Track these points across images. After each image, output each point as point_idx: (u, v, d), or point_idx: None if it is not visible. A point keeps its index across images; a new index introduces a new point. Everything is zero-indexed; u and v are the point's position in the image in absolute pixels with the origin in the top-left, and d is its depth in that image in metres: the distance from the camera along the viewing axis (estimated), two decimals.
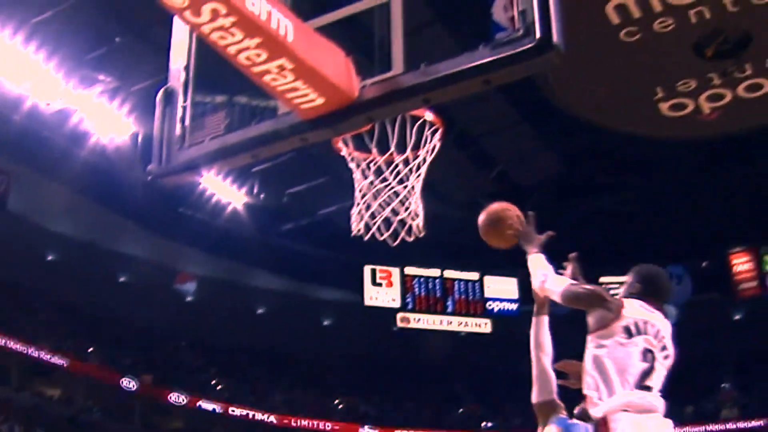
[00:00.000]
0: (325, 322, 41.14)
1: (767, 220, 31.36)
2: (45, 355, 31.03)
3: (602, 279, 34.69)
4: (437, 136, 6.96)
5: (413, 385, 39.15)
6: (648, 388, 5.54)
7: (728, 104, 19.48)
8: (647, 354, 5.61)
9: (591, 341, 5.73)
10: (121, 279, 36.73)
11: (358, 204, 7.29)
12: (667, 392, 5.59)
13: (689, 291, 33.87)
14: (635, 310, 5.71)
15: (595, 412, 5.56)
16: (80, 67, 22.59)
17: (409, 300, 34.95)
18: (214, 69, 5.73)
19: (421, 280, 35.05)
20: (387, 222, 7.31)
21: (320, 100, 5.24)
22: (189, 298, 37.95)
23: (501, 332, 34.35)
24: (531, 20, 4.76)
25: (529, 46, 4.74)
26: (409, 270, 35.04)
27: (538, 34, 4.71)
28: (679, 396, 32.64)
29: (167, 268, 36.55)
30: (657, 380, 5.63)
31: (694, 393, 35.08)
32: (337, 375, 40.25)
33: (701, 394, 36.02)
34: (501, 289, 35.07)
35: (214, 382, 37.27)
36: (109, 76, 23.04)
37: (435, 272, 35.28)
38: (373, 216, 7.41)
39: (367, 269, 34.67)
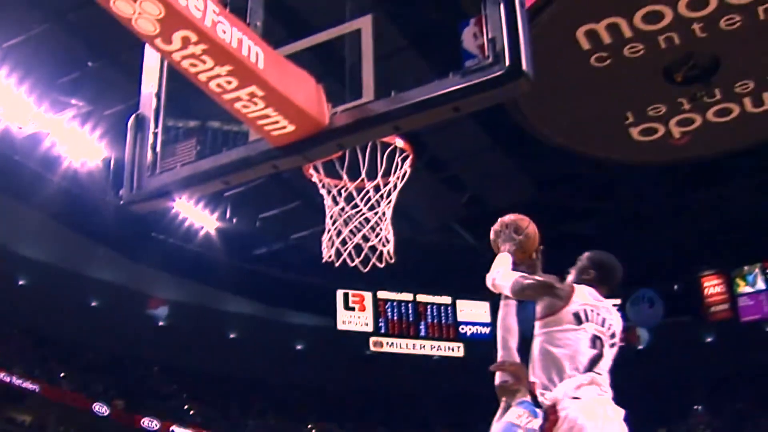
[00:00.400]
0: (298, 347, 41.02)
1: (738, 244, 31.53)
2: (16, 381, 30.80)
3: None
4: (408, 162, 6.99)
5: (386, 409, 39.06)
6: (597, 375, 5.56)
7: (698, 129, 19.59)
8: (596, 341, 5.64)
9: (539, 327, 5.74)
10: (93, 304, 36.52)
11: (329, 230, 7.30)
12: (639, 415, 5.60)
13: (660, 314, 33.93)
14: (585, 297, 5.73)
15: (545, 399, 5.54)
16: (52, 92, 22.48)
17: (381, 324, 34.87)
18: (185, 95, 5.74)
19: (394, 304, 34.98)
20: (358, 248, 7.32)
21: (291, 127, 5.25)
22: (161, 323, 37.79)
23: (474, 356, 34.32)
24: (500, 48, 4.79)
25: (499, 73, 4.78)
26: (382, 294, 34.95)
27: (507, 62, 4.75)
28: (652, 419, 32.74)
29: (139, 293, 36.39)
30: (605, 367, 5.65)
31: (666, 416, 35.21)
32: (310, 400, 40.09)
33: (673, 417, 36.13)
34: (473, 313, 35.03)
35: (186, 407, 37.08)
36: (81, 100, 22.94)
37: (408, 296, 35.20)
38: (344, 242, 7.42)
39: (340, 293, 34.55)
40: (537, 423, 5.62)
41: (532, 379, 5.75)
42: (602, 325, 5.74)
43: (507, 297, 6.19)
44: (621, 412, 5.61)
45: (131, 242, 30.91)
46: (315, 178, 7.27)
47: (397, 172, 7.31)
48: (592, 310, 5.75)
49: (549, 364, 5.63)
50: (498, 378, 6.14)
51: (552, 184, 26.49)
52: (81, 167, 25.54)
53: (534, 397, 5.79)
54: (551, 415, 5.48)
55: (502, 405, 6.21)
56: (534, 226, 6.40)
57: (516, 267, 6.11)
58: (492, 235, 6.43)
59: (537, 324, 5.84)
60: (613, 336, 5.81)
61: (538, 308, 5.83)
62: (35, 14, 19.99)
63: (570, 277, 6.10)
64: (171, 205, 23.30)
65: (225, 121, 5.61)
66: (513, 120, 19.84)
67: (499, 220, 6.44)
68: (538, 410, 5.68)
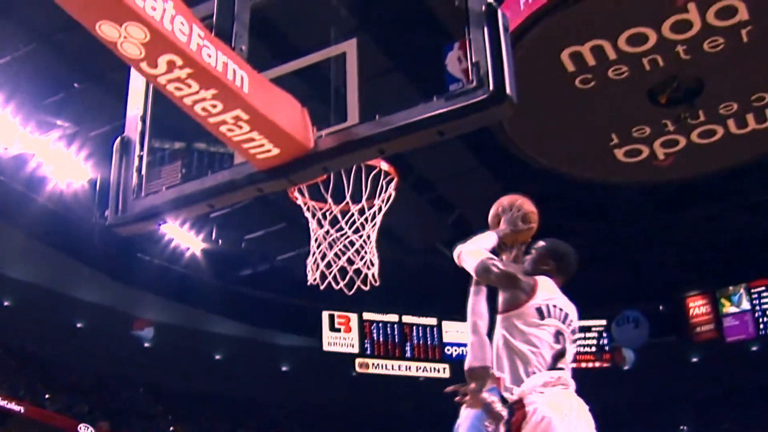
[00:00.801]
0: (284, 368, 40.95)
1: (723, 264, 31.64)
2: (1, 401, 30.64)
3: None
4: (392, 185, 7.00)
5: (372, 430, 38.95)
6: (561, 370, 5.52)
7: (682, 150, 19.69)
8: (559, 336, 5.59)
9: (501, 321, 5.68)
10: (78, 325, 36.38)
11: (314, 253, 7.32)
12: None
13: (646, 334, 34.00)
14: (548, 292, 5.69)
15: (510, 395, 5.51)
16: (38, 112, 22.50)
17: (367, 345, 34.87)
18: (170, 118, 5.76)
19: (380, 325, 34.99)
20: (343, 271, 7.34)
21: (276, 151, 5.28)
22: (146, 344, 37.67)
23: (460, 377, 34.01)
24: (484, 72, 4.82)
25: (483, 97, 4.79)
26: (368, 315, 34.97)
27: (491, 86, 4.77)
28: None
29: (124, 314, 36.25)
30: (568, 362, 5.61)
31: None
32: (296, 421, 39.97)
33: None
34: (459, 334, 34.91)
35: (172, 428, 36.90)
36: (66, 121, 22.95)
37: (393, 317, 35.20)
38: (329, 265, 7.44)
39: (326, 315, 34.55)
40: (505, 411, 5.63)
41: (497, 374, 5.70)
42: (563, 321, 5.69)
43: (478, 283, 6.16)
44: (586, 407, 5.59)
45: (117, 263, 30.86)
46: (300, 201, 7.29)
47: (382, 195, 7.32)
48: (554, 306, 5.69)
49: (514, 359, 5.57)
50: (469, 361, 6.15)
51: (537, 205, 26.51)
52: (67, 188, 25.52)
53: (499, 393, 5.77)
54: (518, 410, 5.44)
55: (473, 387, 6.20)
56: (537, 223, 6.37)
57: (497, 252, 6.09)
58: (496, 209, 6.45)
59: (499, 317, 5.78)
60: (574, 332, 5.77)
61: (501, 300, 5.76)
62: (21, 35, 20.01)
63: (526, 267, 6.04)
64: (157, 228, 23.31)
65: (210, 142, 5.63)
66: (499, 141, 19.90)
67: (513, 198, 6.48)
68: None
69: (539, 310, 5.62)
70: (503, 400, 5.67)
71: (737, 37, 16.19)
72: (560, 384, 5.52)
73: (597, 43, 16.46)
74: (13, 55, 20.38)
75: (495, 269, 5.77)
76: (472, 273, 5.91)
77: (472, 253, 5.91)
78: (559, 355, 5.58)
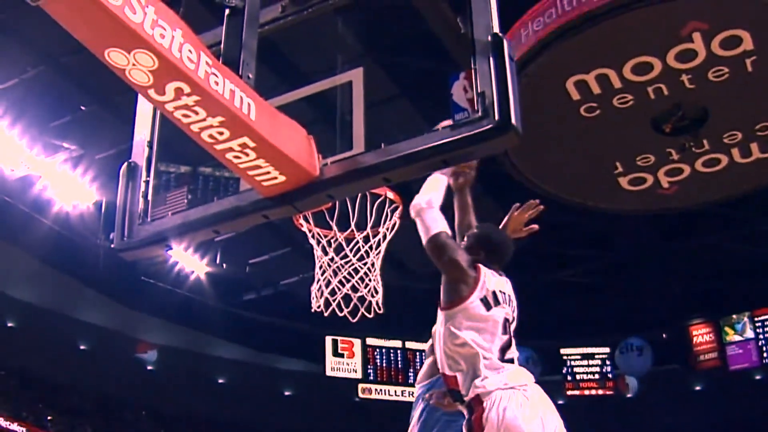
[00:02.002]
0: (287, 393, 40.85)
1: (727, 292, 31.62)
2: (3, 423, 30.60)
3: (563, 350, 34.90)
4: (397, 213, 7.03)
5: None
6: (510, 362, 5.46)
7: (687, 179, 19.68)
8: (506, 324, 5.54)
9: (445, 317, 5.60)
10: (82, 347, 36.35)
11: (318, 280, 7.34)
12: None
13: (649, 362, 33.95)
14: (490, 280, 5.61)
15: (466, 392, 5.43)
16: (44, 135, 22.57)
17: (370, 371, 34.81)
18: (177, 143, 5.79)
19: (383, 351, 34.93)
20: (347, 298, 7.35)
21: (282, 178, 5.30)
22: (149, 367, 37.64)
23: None
24: (490, 102, 4.83)
25: (488, 127, 4.81)
26: (371, 341, 34.93)
27: (496, 116, 4.78)
28: None
29: (128, 337, 36.24)
30: (515, 351, 5.56)
31: None
32: None
33: None
34: None
35: None
36: (73, 143, 23.02)
37: (397, 343, 35.13)
38: (333, 292, 7.45)
39: (329, 340, 34.50)
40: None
41: (447, 372, 5.60)
42: (509, 305, 5.65)
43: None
44: (545, 396, 5.51)
45: (121, 286, 30.85)
46: (305, 228, 7.31)
47: (387, 223, 7.34)
48: (501, 291, 5.64)
49: (464, 357, 5.49)
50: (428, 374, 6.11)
51: (540, 232, 26.50)
52: (72, 210, 25.58)
53: (453, 392, 5.66)
54: (476, 407, 5.37)
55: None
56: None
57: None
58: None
59: (442, 314, 5.69)
60: (516, 318, 5.71)
61: (443, 292, 5.67)
62: (29, 57, 20.11)
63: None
64: (166, 254, 23.33)
65: (216, 167, 5.66)
66: (503, 168, 19.92)
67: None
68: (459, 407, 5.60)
69: (485, 301, 5.55)
70: (456, 398, 5.62)
71: (742, 66, 16.22)
72: (515, 375, 5.44)
73: (602, 71, 16.49)
74: (20, 77, 20.48)
75: (447, 253, 5.70)
76: (423, 238, 5.82)
77: (433, 220, 5.87)
78: (507, 345, 5.52)
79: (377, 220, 7.15)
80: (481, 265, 5.76)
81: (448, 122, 4.95)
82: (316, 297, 7.36)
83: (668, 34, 15.76)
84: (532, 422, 5.32)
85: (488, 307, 5.55)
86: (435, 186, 6.03)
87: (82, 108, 21.69)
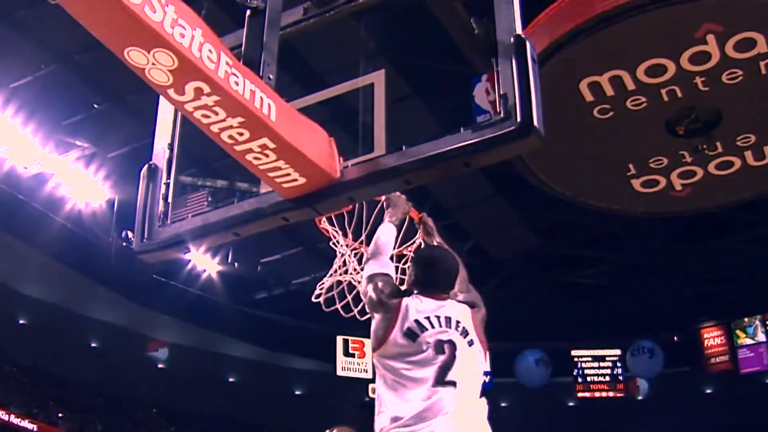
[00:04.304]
0: (297, 392, 40.90)
1: (738, 295, 31.55)
2: (14, 419, 30.66)
3: (574, 352, 34.85)
4: (419, 233, 6.97)
5: None
6: (450, 385, 5.05)
7: (700, 181, 19.61)
8: (443, 345, 5.14)
9: (377, 362, 5.34)
10: (93, 344, 36.47)
11: (332, 275, 7.30)
12: None
13: (660, 365, 33.91)
14: (417, 308, 5.26)
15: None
16: (57, 132, 22.64)
17: None
18: (197, 145, 5.78)
19: None
20: (357, 298, 7.25)
21: (302, 180, 5.28)
22: (160, 365, 37.71)
23: None
24: (512, 104, 4.81)
25: (510, 129, 4.79)
26: None
27: (519, 118, 4.76)
28: None
29: (139, 335, 36.33)
30: (461, 372, 5.12)
31: None
32: None
33: None
34: None
35: None
36: (85, 141, 23.09)
37: None
38: (343, 295, 7.40)
39: (340, 339, 34.50)
40: None
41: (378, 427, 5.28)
42: (447, 325, 5.24)
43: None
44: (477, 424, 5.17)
45: (133, 284, 30.89)
46: (331, 232, 7.21)
47: (413, 244, 7.24)
48: (436, 317, 5.26)
49: (390, 398, 5.26)
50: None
51: (553, 234, 26.56)
52: (85, 208, 25.66)
53: None
54: None
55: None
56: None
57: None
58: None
59: (375, 358, 5.46)
60: (466, 334, 5.27)
61: (372, 336, 5.38)
62: (42, 55, 20.15)
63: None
64: (183, 256, 23.36)
65: (237, 172, 5.64)
66: (515, 169, 19.89)
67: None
68: None
69: (409, 332, 5.20)
70: None
71: (756, 69, 16.16)
72: (433, 411, 4.99)
73: (616, 73, 16.43)
74: (34, 75, 20.53)
75: (372, 293, 5.44)
76: (362, 282, 5.69)
77: (373, 266, 5.63)
78: (446, 366, 5.11)
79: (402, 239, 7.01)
80: (405, 298, 5.38)
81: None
82: (322, 293, 7.28)
83: (682, 36, 15.70)
84: None
85: (414, 337, 5.16)
86: (386, 236, 5.86)
87: (95, 106, 21.73)
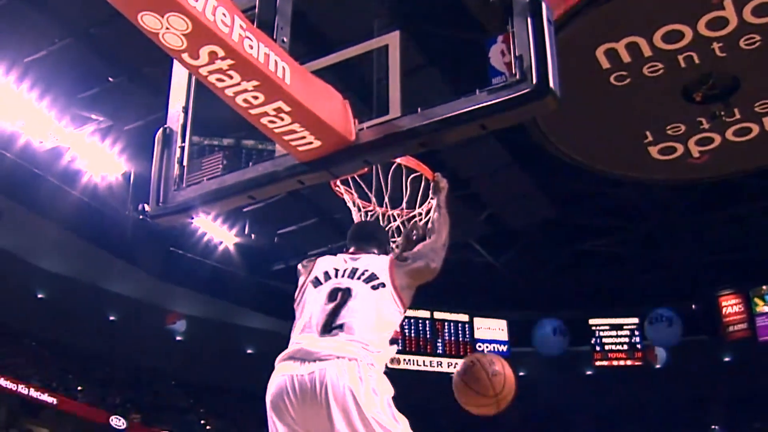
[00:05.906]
0: None
1: (756, 263, 31.40)
2: (34, 393, 30.87)
3: (591, 321, 34.80)
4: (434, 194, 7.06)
5: None
6: (338, 329, 5.43)
7: (717, 148, 19.53)
8: (336, 293, 5.47)
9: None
10: (111, 318, 36.58)
11: None
12: None
13: (678, 333, 33.82)
14: (325, 264, 5.72)
15: None
16: (73, 106, 22.61)
17: (399, 341, 34.81)
18: (212, 109, 5.76)
19: (411, 321, 34.85)
20: None
21: (317, 143, 5.27)
22: (179, 338, 37.84)
23: None
24: (528, 65, 4.79)
25: (526, 91, 4.76)
26: None
27: (534, 80, 4.73)
28: None
29: (157, 308, 36.39)
30: (354, 313, 5.43)
31: None
32: None
33: None
34: (490, 330, 34.79)
35: (202, 422, 37.06)
36: (101, 115, 23.06)
37: (425, 314, 35.04)
38: None
39: None
40: None
41: None
42: (352, 275, 5.57)
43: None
44: (326, 380, 5.59)
45: (150, 257, 30.95)
46: (345, 196, 7.24)
47: (424, 205, 7.32)
48: (334, 268, 5.68)
49: None
50: None
51: (570, 203, 26.47)
52: (101, 181, 25.68)
53: None
54: None
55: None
56: None
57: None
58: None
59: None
60: (366, 274, 5.59)
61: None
62: (57, 29, 20.09)
63: None
64: (191, 222, 23.39)
65: (252, 135, 5.63)
66: (532, 138, 19.82)
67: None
68: None
69: (315, 282, 5.68)
70: None
71: None
72: (294, 354, 5.84)
73: (632, 39, 16.35)
74: (49, 49, 20.48)
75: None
76: None
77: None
78: (335, 310, 5.47)
79: (413, 201, 7.05)
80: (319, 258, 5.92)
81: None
82: None
83: (699, 1, 15.61)
84: (271, 408, 5.91)
85: (317, 284, 5.68)
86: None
87: (111, 80, 21.67)
